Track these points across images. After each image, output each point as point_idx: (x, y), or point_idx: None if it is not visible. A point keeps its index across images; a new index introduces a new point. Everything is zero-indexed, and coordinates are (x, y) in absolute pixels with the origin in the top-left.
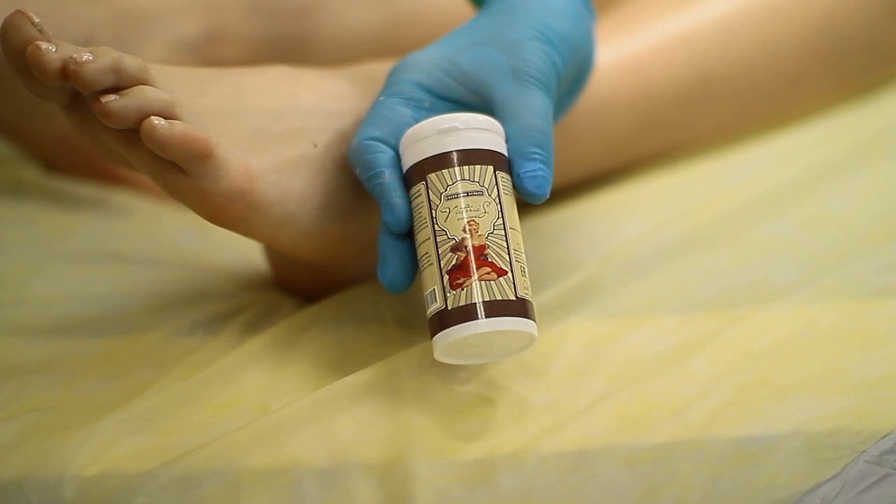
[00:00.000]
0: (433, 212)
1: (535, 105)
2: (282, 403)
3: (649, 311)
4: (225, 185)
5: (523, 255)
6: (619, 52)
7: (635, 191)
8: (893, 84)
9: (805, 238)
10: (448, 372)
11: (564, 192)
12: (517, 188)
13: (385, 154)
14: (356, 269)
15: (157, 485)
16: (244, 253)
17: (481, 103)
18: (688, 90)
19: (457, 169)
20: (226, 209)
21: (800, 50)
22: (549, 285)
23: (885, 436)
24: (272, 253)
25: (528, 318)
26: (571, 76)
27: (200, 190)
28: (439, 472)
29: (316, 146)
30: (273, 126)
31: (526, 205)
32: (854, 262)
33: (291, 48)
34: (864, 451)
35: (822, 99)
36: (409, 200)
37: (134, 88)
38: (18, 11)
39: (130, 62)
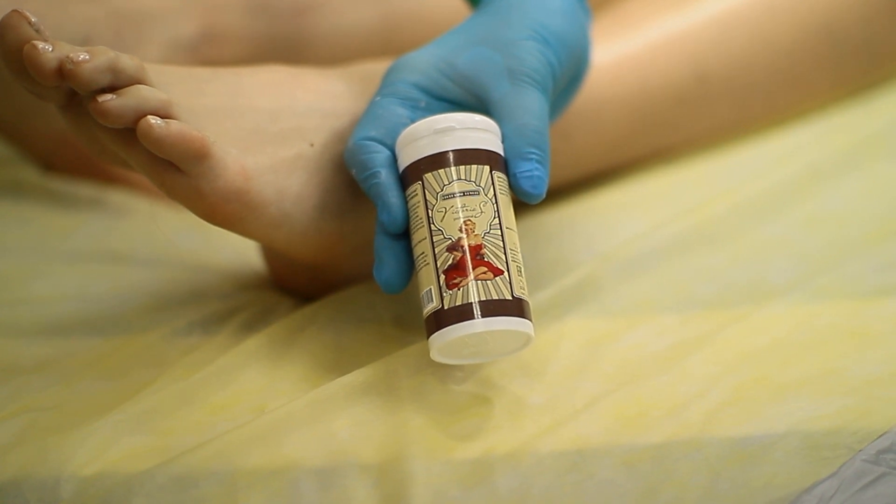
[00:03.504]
0: (429, 211)
1: (531, 105)
2: (279, 403)
3: (647, 311)
4: (221, 185)
5: (520, 254)
6: (615, 51)
7: (632, 190)
8: (891, 83)
9: (803, 237)
10: (445, 371)
11: (561, 191)
12: (513, 188)
13: (381, 154)
14: (353, 269)
15: (155, 485)
16: (241, 253)
17: (477, 103)
18: (685, 89)
19: (453, 169)
20: (222, 209)
21: (798, 49)
22: (547, 285)
23: (881, 435)
24: (269, 253)
25: (525, 317)
26: (567, 76)
27: (197, 189)
28: (436, 471)
29: (312, 146)
30: (270, 126)
31: (523, 205)
32: (852, 261)
33: (288, 48)
34: (861, 451)
35: (820, 98)
36: (405, 200)
37: (130, 88)
38: (15, 11)
39: (127, 61)
